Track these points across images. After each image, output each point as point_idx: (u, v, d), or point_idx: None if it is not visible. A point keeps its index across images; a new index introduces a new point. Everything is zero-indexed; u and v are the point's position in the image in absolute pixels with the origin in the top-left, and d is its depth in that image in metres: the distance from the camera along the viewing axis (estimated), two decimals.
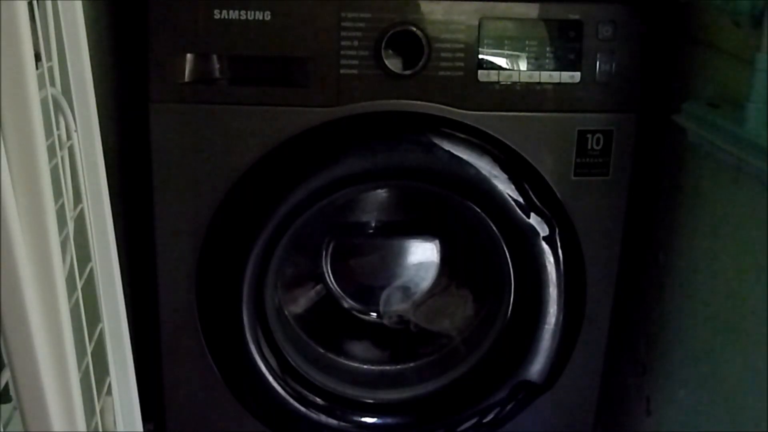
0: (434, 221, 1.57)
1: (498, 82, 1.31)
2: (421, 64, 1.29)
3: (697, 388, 1.29)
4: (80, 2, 0.94)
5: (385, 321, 1.60)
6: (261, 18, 1.26)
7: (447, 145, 1.32)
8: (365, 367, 1.55)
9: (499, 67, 1.31)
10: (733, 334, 1.19)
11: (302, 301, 1.59)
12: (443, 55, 1.29)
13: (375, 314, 1.61)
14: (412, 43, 1.28)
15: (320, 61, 1.28)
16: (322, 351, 1.54)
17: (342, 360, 1.55)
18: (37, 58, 0.79)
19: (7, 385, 0.72)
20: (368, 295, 1.59)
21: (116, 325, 1.03)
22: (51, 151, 0.77)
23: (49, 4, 0.87)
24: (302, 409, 1.44)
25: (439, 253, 1.58)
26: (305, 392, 1.45)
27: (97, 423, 0.91)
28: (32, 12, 0.80)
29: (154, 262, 1.36)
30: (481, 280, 1.55)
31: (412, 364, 1.56)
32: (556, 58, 1.31)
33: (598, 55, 1.32)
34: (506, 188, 1.34)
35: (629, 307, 1.50)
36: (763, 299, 1.09)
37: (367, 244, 1.59)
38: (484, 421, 1.48)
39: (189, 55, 1.28)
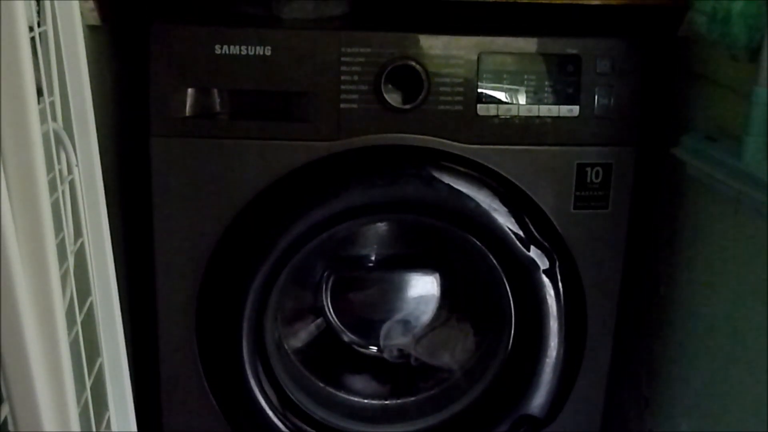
0: (434, 254, 1.56)
1: (497, 116, 1.32)
2: (420, 98, 1.30)
3: (700, 421, 1.28)
4: (82, 37, 0.95)
5: (386, 355, 1.59)
6: (261, 53, 1.26)
7: (447, 179, 1.32)
8: (366, 401, 1.55)
9: (498, 101, 1.31)
10: (734, 366, 1.18)
11: (302, 335, 1.59)
12: (442, 89, 1.30)
13: (375, 348, 1.60)
14: (411, 77, 1.29)
15: (320, 96, 1.29)
16: (322, 385, 1.53)
17: (342, 394, 1.54)
18: (39, 92, 0.80)
19: (6, 419, 0.72)
20: (368, 329, 1.59)
21: (116, 359, 1.02)
22: (52, 186, 0.78)
23: (51, 39, 0.88)
24: None
25: (439, 287, 1.58)
26: (306, 427, 1.44)
27: None
28: (34, 47, 0.81)
29: (154, 296, 1.36)
30: (482, 314, 1.55)
31: (412, 399, 1.55)
32: (555, 92, 1.32)
33: (597, 89, 1.32)
34: (506, 221, 1.34)
35: (630, 340, 1.50)
36: (764, 331, 1.08)
37: (367, 278, 1.58)
38: None
39: (190, 90, 1.29)
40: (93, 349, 0.96)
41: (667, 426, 1.39)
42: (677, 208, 1.35)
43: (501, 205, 1.33)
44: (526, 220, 1.35)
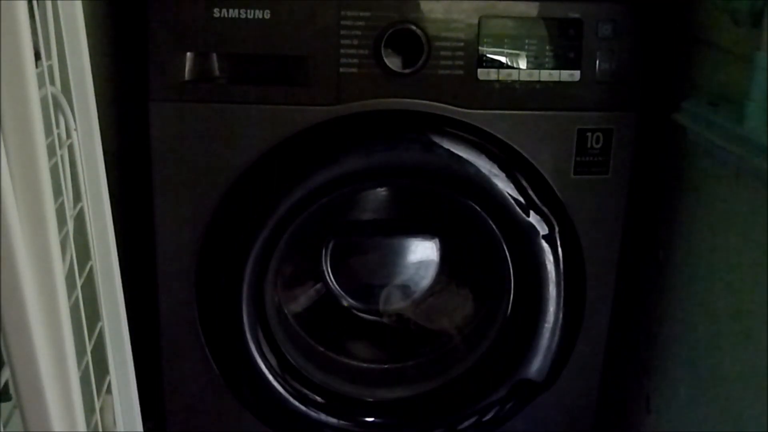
0: (434, 220, 1.57)
1: (498, 81, 1.31)
2: (420, 62, 1.29)
3: (697, 386, 1.29)
4: (80, 1, 0.94)
5: (385, 320, 1.60)
6: (261, 16, 1.26)
7: (447, 144, 1.32)
8: (365, 365, 1.55)
9: (499, 66, 1.31)
10: (733, 332, 1.19)
11: (302, 300, 1.59)
12: (443, 53, 1.29)
13: (375, 313, 1.61)
14: (411, 41, 1.28)
15: (320, 60, 1.28)
16: (321, 349, 1.54)
17: (342, 358, 1.55)
18: (37, 56, 0.79)
19: (7, 383, 0.72)
20: (368, 294, 1.59)
21: (116, 323, 1.03)
22: (51, 150, 0.77)
23: (48, 3, 0.87)
24: (302, 407, 1.44)
25: (438, 252, 1.58)
26: (305, 391, 1.45)
27: (96, 422, 0.91)
28: (32, 10, 0.80)
29: (153, 260, 1.36)
30: (481, 279, 1.55)
31: (411, 363, 1.56)
32: (556, 56, 1.31)
33: (598, 54, 1.32)
34: (506, 187, 1.34)
35: (629, 306, 1.50)
36: (763, 297, 1.09)
37: (367, 243, 1.59)
38: (484, 419, 1.48)
39: (189, 54, 1.28)
40: (93, 314, 0.96)
41: (665, 391, 1.40)
42: (678, 173, 1.35)
43: (500, 170, 1.33)
44: (526, 185, 1.35)
